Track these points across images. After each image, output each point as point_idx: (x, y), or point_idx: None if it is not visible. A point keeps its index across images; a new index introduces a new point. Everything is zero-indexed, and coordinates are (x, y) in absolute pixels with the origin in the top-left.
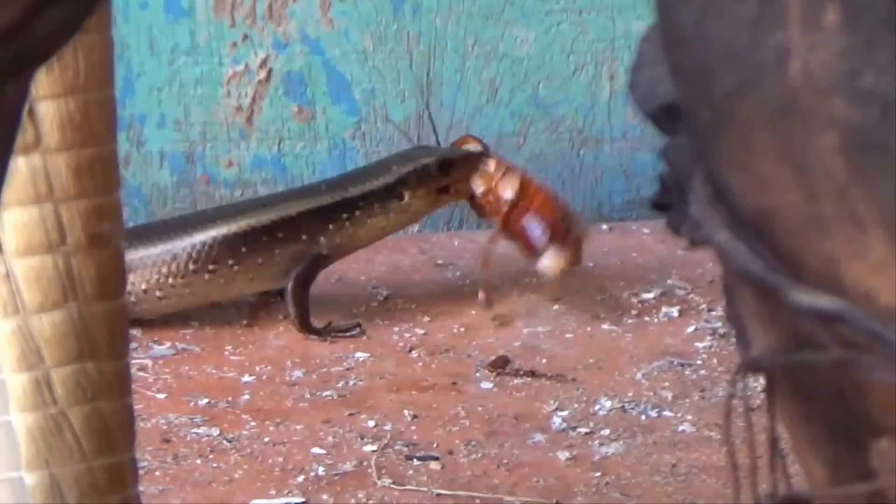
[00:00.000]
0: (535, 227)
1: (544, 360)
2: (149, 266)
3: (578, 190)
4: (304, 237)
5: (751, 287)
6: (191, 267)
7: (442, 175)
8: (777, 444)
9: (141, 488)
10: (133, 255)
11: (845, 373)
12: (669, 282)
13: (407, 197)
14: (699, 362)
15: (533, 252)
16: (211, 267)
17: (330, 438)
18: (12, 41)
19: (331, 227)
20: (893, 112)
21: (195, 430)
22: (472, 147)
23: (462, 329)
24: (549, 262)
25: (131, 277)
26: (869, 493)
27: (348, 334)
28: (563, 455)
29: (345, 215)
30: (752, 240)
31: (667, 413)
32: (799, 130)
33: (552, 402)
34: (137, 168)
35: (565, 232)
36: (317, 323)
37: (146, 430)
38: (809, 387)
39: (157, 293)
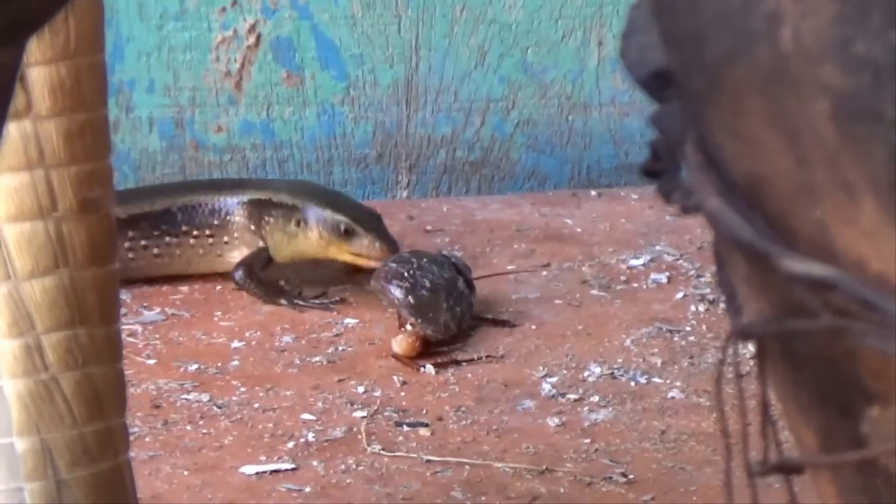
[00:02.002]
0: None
1: (533, 327)
2: (149, 222)
3: (567, 155)
4: (252, 227)
5: (742, 253)
6: (182, 228)
7: (343, 238)
8: (768, 411)
9: (131, 454)
10: (133, 211)
11: (837, 340)
12: (658, 248)
13: (301, 229)
14: (688, 329)
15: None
16: (195, 233)
17: (320, 404)
18: (7, 7)
19: (262, 223)
20: (885, 79)
21: (185, 395)
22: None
23: None
24: (397, 343)
25: (131, 233)
26: (860, 461)
27: (317, 303)
28: (552, 421)
29: (267, 217)
30: (743, 206)
31: (656, 379)
32: (790, 97)
33: (541, 368)
34: (126, 133)
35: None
36: (287, 287)
37: (136, 396)
38: (800, 354)
39: (155, 250)
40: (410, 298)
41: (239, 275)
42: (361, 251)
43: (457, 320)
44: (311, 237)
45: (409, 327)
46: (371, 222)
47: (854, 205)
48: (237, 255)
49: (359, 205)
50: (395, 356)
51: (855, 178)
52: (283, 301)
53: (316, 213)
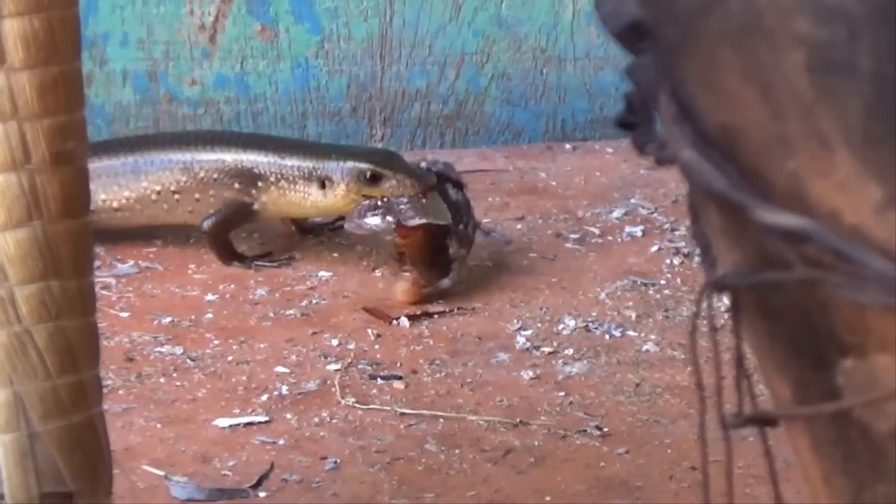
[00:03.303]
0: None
1: (508, 282)
2: (112, 178)
3: (541, 109)
4: (237, 186)
5: (716, 205)
6: (142, 184)
7: (370, 185)
8: (742, 363)
9: (105, 406)
10: (98, 164)
11: (811, 292)
12: (633, 201)
13: (326, 188)
14: (663, 282)
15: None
16: (157, 189)
17: (293, 357)
18: None
19: (260, 184)
20: (859, 30)
21: (159, 348)
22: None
23: None
24: (400, 289)
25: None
26: (834, 412)
27: (273, 264)
28: (526, 374)
29: (272, 179)
30: (717, 158)
31: (630, 332)
32: (764, 49)
33: (516, 321)
34: (100, 87)
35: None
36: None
37: (110, 349)
38: (775, 306)
39: (114, 205)
40: (390, 218)
41: (209, 224)
42: (394, 192)
43: (465, 227)
44: (338, 193)
45: (406, 274)
46: (393, 162)
47: (828, 156)
48: (212, 212)
49: (373, 148)
50: (368, 309)
51: (829, 130)
52: (235, 263)
53: (339, 168)
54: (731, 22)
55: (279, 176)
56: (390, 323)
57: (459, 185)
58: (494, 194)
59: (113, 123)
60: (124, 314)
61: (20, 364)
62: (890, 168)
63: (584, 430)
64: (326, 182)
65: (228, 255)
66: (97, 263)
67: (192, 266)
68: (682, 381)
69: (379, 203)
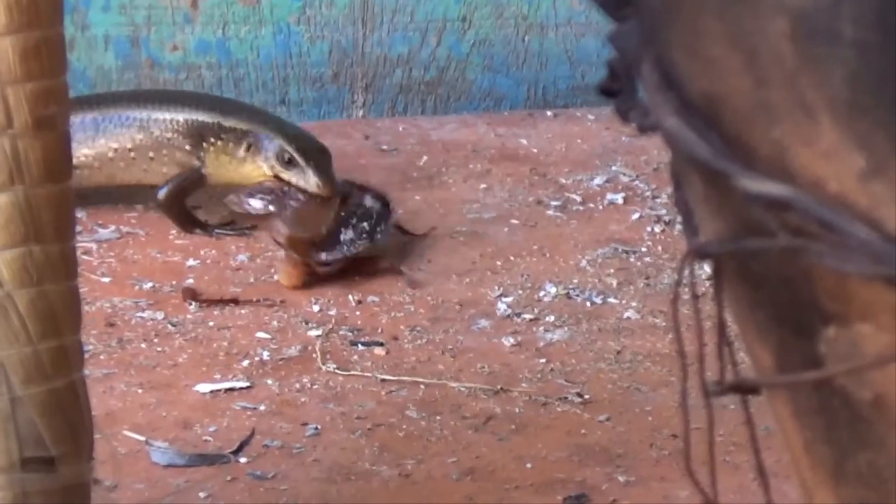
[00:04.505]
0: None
1: (489, 249)
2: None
3: (523, 76)
4: (187, 147)
5: (699, 173)
6: (99, 140)
7: (284, 167)
8: (724, 331)
9: (86, 372)
10: None
11: (793, 260)
12: (614, 168)
13: (252, 158)
14: (644, 249)
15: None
16: (114, 146)
17: (275, 323)
18: None
19: (204, 145)
20: None
21: (140, 313)
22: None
23: (406, 214)
24: (282, 272)
25: None
26: (816, 381)
27: (234, 232)
28: (507, 341)
29: (212, 139)
30: (700, 125)
31: (612, 300)
32: (748, 16)
33: (497, 288)
34: (82, 51)
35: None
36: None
37: (91, 314)
38: (757, 274)
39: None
40: (271, 208)
41: (163, 194)
42: (299, 183)
43: (359, 234)
44: (259, 165)
45: (292, 257)
46: (315, 157)
47: (812, 125)
48: (165, 171)
49: (310, 137)
50: (186, 291)
51: (813, 98)
52: (197, 231)
53: (268, 141)
54: None
55: (218, 140)
56: (190, 303)
57: (381, 198)
58: (475, 161)
59: (95, 88)
60: (105, 279)
61: (1, 329)
62: (874, 136)
63: (565, 398)
64: (254, 151)
65: (188, 222)
66: (78, 228)
67: (174, 231)
68: (663, 348)
69: (274, 190)
